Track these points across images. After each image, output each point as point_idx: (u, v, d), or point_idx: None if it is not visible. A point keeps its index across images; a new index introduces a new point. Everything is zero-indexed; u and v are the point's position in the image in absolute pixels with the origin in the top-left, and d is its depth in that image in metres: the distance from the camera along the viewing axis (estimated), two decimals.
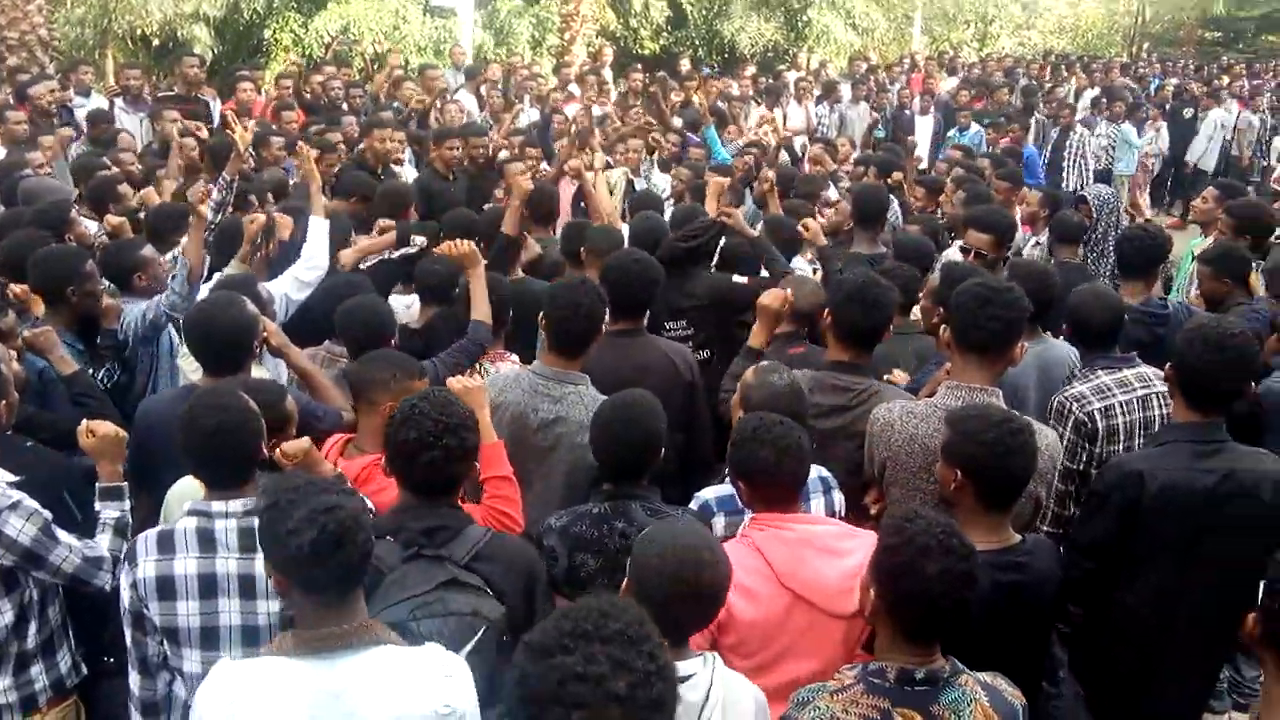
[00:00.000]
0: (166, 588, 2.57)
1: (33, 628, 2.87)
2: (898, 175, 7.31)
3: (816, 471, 3.04)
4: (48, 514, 2.79)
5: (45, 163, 6.34)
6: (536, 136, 8.67)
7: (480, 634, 2.37)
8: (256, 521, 2.51)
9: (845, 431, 3.38)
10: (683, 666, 2.09)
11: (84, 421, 3.01)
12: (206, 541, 2.58)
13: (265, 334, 3.62)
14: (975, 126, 10.83)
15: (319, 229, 4.84)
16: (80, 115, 8.52)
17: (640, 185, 7.63)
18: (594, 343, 3.57)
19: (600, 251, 4.62)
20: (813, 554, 2.62)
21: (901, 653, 2.14)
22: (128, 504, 3.01)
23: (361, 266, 5.06)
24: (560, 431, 3.39)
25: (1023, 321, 3.10)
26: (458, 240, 4.13)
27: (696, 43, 18.93)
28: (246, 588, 2.59)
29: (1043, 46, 25.51)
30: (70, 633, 3.03)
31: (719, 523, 2.97)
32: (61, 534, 2.81)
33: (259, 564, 2.55)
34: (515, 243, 4.97)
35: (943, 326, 3.27)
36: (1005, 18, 24.55)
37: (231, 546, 2.58)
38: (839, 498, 3.10)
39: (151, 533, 2.65)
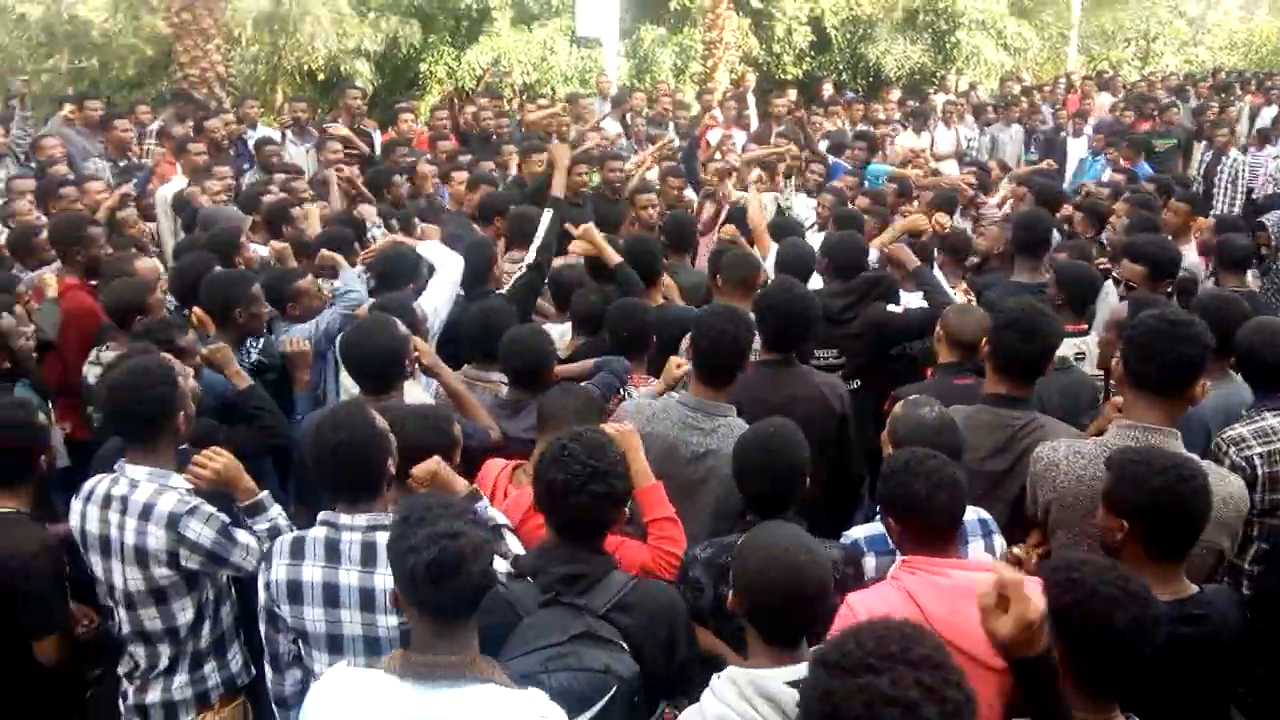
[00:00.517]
0: (295, 592, 2.67)
1: (207, 626, 3.02)
2: (1066, 208, 6.88)
3: (976, 514, 2.91)
4: (224, 516, 2.94)
5: (219, 191, 6.74)
6: (681, 163, 8.73)
7: (611, 693, 2.31)
8: (378, 537, 2.59)
9: (1012, 473, 3.22)
10: (804, 670, 2.08)
11: (193, 460, 3.04)
12: (332, 552, 2.65)
13: (417, 354, 3.73)
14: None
15: (432, 246, 4.95)
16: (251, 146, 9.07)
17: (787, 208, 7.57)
18: (740, 372, 3.52)
19: (735, 280, 4.56)
20: (969, 603, 2.49)
21: (1080, 710, 2.01)
22: (275, 509, 3.09)
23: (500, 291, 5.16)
24: (712, 464, 3.34)
25: (1203, 359, 2.88)
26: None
27: (840, 67, 18.72)
28: (366, 601, 2.63)
29: (1212, 64, 24.13)
30: (241, 633, 3.17)
31: (869, 563, 2.88)
32: (240, 535, 2.96)
33: (378, 579, 2.61)
34: (656, 268, 5.01)
35: (1115, 360, 3.08)
36: (1170, 34, 23.36)
37: (354, 559, 2.64)
38: (1000, 542, 2.95)
39: (287, 537, 2.77)
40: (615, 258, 4.96)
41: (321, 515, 2.75)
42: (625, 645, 2.38)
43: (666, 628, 2.51)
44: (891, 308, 4.80)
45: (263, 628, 2.79)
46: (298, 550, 2.69)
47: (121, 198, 5.96)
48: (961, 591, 2.48)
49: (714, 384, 3.47)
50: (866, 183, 7.87)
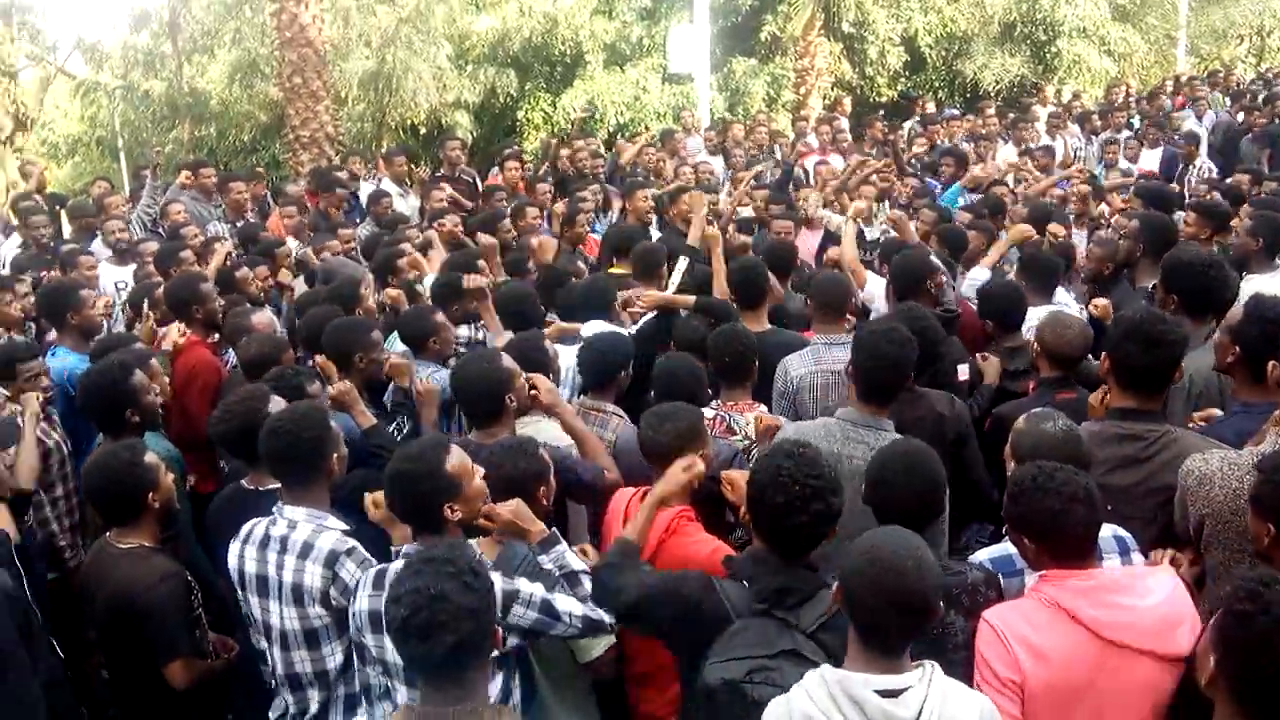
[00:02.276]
0: (377, 622, 2.70)
1: (356, 671, 3.02)
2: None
3: (1111, 530, 2.77)
4: (375, 562, 2.97)
5: (341, 249, 6.97)
6: (776, 190, 8.69)
7: None
8: None
9: (1144, 487, 3.06)
10: (896, 680, 2.08)
11: (366, 496, 3.14)
12: None
13: (535, 390, 3.72)
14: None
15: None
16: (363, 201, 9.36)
17: (873, 234, 7.42)
18: (901, 390, 3.47)
19: (822, 303, 4.45)
20: (1119, 595, 2.38)
21: None
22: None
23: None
24: None
25: None
26: None
27: (936, 85, 18.44)
28: None
29: None
30: None
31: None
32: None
33: None
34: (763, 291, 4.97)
35: (1271, 364, 2.92)
36: None
37: None
38: (1139, 560, 2.80)
39: (373, 570, 2.84)
40: (688, 302, 4.93)
41: (403, 548, 2.85)
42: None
43: None
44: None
45: (355, 661, 2.87)
46: (379, 582, 2.76)
47: (227, 256, 6.25)
48: (1110, 586, 2.39)
49: (874, 401, 3.40)
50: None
